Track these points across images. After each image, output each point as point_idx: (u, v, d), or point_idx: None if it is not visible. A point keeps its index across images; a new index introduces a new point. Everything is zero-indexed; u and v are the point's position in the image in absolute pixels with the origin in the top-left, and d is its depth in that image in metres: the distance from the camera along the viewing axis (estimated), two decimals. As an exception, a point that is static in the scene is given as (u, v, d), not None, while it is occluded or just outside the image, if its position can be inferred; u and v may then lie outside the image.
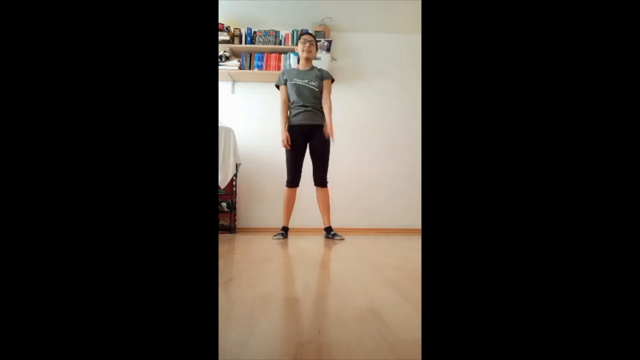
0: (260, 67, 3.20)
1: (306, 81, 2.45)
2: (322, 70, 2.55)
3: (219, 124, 2.70)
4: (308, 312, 0.71)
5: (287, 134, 2.45)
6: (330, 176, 2.60)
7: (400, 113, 3.39)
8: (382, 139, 3.36)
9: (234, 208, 3.07)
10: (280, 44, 3.23)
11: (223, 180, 2.66)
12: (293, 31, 3.26)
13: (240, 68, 3.17)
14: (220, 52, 3.16)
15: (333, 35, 3.38)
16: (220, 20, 3.23)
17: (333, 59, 3.29)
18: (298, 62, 2.63)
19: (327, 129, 2.42)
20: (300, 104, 2.45)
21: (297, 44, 2.56)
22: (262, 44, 3.20)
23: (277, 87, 2.55)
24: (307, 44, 2.48)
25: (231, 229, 3.03)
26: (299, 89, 2.44)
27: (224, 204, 3.02)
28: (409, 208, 3.32)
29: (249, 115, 3.32)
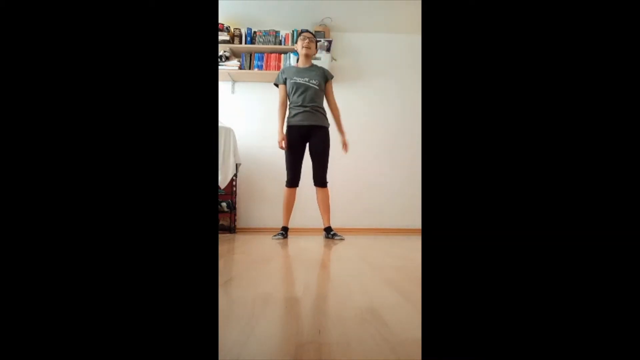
0: (260, 67, 3.20)
1: (306, 79, 2.40)
2: (324, 69, 2.50)
3: (219, 124, 2.69)
4: (308, 312, 0.71)
5: (283, 136, 2.42)
6: (330, 176, 2.60)
7: (400, 113, 3.39)
8: (382, 139, 3.36)
9: (234, 208, 3.07)
10: (280, 44, 3.22)
11: (223, 180, 2.66)
12: (293, 31, 3.26)
13: (240, 68, 3.17)
14: (220, 52, 3.15)
15: (333, 35, 3.38)
16: (220, 20, 3.23)
17: (333, 59, 3.29)
18: (297, 61, 2.59)
19: (344, 147, 2.54)
20: (300, 103, 2.40)
21: (296, 42, 2.52)
22: (262, 44, 3.20)
23: (276, 85, 2.51)
24: (307, 40, 2.43)
25: (231, 229, 3.03)
26: (298, 88, 2.39)
27: (224, 204, 3.02)
28: (408, 208, 3.32)
29: (249, 115, 3.32)
